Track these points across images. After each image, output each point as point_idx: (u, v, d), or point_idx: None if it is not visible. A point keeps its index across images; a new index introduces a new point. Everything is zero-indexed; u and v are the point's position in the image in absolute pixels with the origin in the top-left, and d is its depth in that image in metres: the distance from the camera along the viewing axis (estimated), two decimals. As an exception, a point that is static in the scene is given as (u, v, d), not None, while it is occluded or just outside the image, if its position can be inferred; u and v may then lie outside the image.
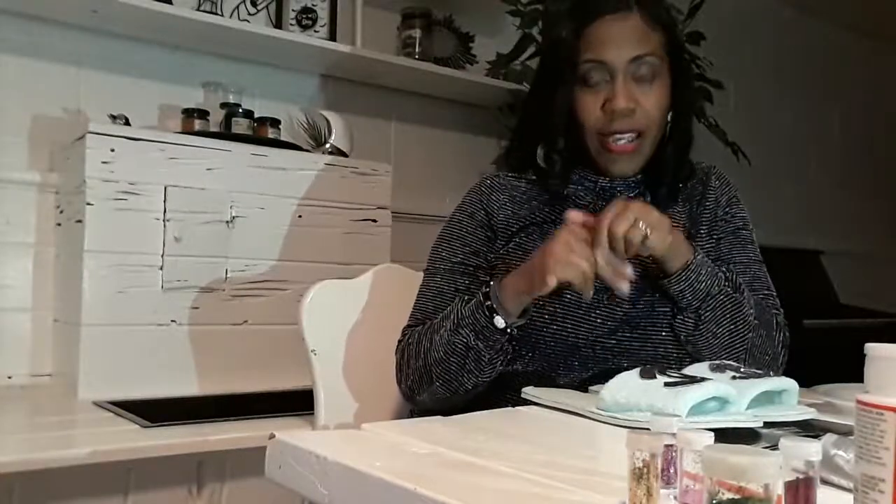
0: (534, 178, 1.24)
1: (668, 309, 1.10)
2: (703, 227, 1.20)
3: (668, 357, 1.10)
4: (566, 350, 1.09)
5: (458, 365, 1.07)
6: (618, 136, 1.14)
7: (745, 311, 1.09)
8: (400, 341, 1.19)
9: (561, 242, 1.00)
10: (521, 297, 1.04)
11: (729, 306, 1.08)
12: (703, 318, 1.08)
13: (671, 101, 1.18)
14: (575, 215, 1.05)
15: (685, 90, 1.20)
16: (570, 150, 1.20)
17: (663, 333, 1.10)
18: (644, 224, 0.99)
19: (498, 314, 1.04)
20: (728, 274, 1.10)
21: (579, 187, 1.21)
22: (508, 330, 1.05)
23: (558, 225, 1.17)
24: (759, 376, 0.92)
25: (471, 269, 1.18)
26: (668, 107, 1.17)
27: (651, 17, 1.14)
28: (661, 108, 1.15)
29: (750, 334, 1.09)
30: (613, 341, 1.09)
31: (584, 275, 0.98)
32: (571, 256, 0.98)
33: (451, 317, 1.08)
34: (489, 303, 1.04)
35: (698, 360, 1.04)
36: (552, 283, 0.98)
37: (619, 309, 1.10)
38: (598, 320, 1.10)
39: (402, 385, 1.16)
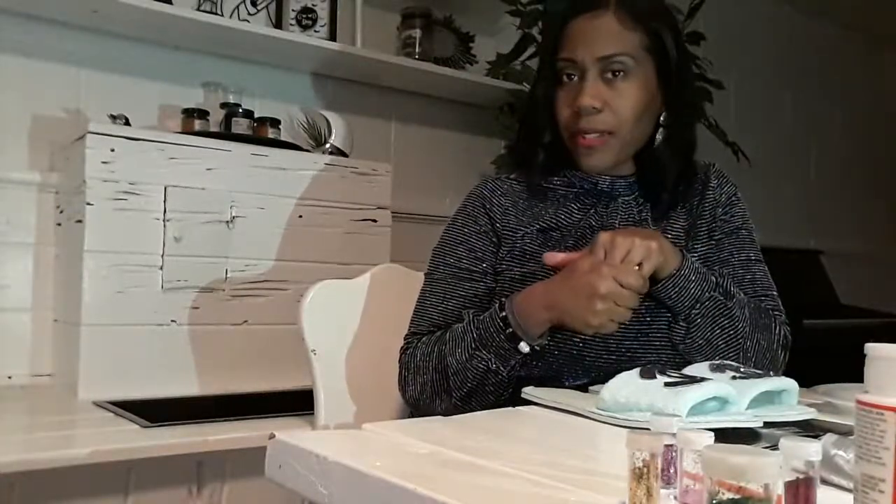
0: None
1: (669, 316, 1.09)
2: (703, 228, 1.19)
3: (669, 363, 1.09)
4: (570, 359, 1.09)
5: (478, 386, 1.07)
6: (585, 133, 1.14)
7: (737, 317, 1.08)
8: (404, 350, 1.17)
9: (606, 279, 0.97)
10: (547, 324, 1.03)
11: (719, 312, 1.07)
12: (693, 324, 1.07)
13: (663, 104, 1.16)
14: (550, 257, 1.06)
15: (680, 92, 1.17)
16: (558, 147, 1.20)
17: (665, 340, 1.10)
18: (636, 255, 0.99)
19: (522, 340, 1.03)
20: (720, 280, 1.09)
21: (579, 190, 1.21)
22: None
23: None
24: (759, 376, 0.92)
25: (477, 275, 1.17)
26: (643, 108, 1.14)
27: (629, 16, 1.13)
28: (633, 109, 1.13)
29: (741, 341, 1.09)
30: (616, 348, 1.08)
31: (621, 321, 1.00)
32: (618, 310, 0.98)
33: (467, 338, 1.07)
34: (510, 329, 1.03)
35: (698, 363, 1.04)
36: (596, 330, 1.00)
37: None
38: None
39: (407, 395, 1.15)
